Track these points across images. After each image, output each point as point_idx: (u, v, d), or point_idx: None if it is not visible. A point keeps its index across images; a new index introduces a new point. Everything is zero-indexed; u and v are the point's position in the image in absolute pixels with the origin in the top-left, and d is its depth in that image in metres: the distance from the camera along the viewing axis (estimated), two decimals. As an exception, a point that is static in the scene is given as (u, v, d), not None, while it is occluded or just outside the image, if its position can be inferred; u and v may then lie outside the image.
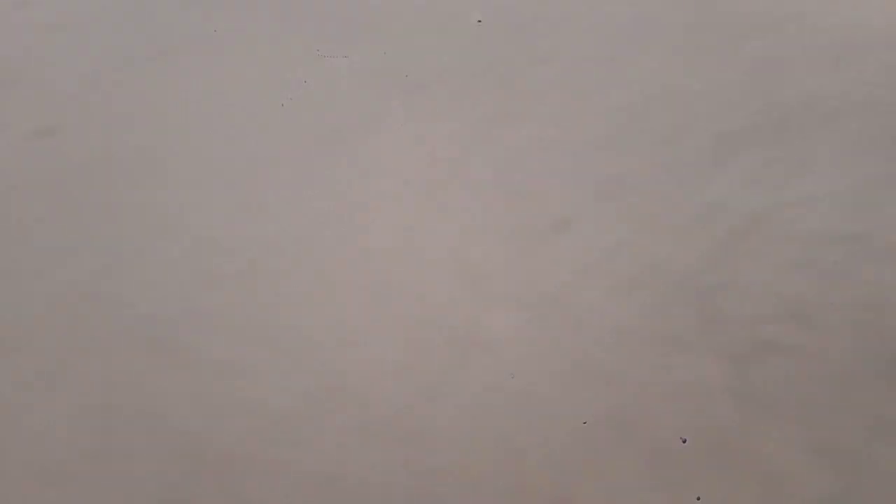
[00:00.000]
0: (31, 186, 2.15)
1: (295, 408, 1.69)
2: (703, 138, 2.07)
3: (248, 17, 2.57)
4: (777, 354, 1.69)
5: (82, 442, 1.66)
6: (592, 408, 1.64)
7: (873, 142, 2.06)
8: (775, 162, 2.01)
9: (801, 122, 2.10)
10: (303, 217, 2.02)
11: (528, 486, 1.51)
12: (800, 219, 1.91)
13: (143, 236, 2.01)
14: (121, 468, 1.59)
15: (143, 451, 1.62)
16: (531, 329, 1.78)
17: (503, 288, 1.85)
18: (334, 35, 2.47)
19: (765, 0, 2.36)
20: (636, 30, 2.34)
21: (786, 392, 1.63)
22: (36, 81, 2.36)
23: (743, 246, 1.87)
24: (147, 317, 1.89)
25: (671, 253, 1.87)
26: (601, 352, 1.73)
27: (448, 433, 1.60)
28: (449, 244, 1.93)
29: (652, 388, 1.66)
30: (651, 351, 1.72)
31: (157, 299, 1.91)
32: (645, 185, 1.99)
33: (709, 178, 1.99)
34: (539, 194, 2.00)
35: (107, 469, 1.59)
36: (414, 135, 2.15)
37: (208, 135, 2.23)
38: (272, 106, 2.29)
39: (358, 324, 1.82)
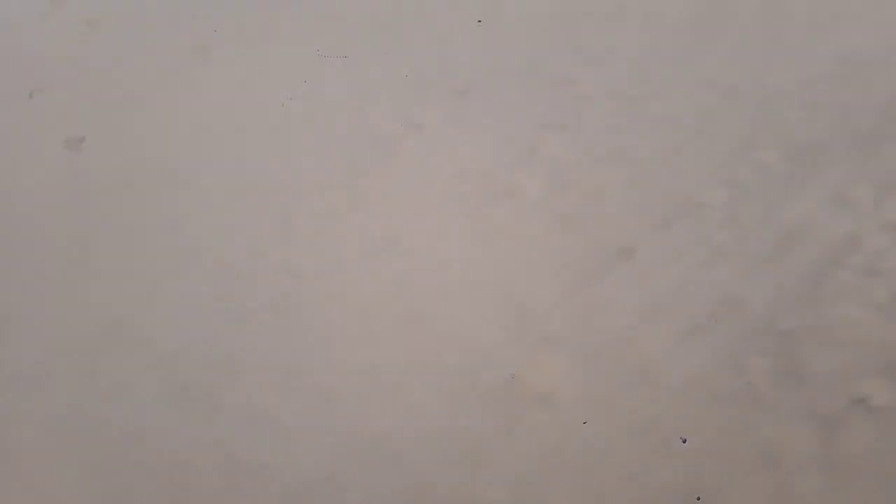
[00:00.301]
0: (53, 205, 1.99)
1: (323, 472, 1.52)
2: (778, 151, 1.85)
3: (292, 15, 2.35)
4: (868, 417, 1.50)
5: (93, 496, 1.52)
6: (657, 480, 1.46)
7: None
8: (859, 180, 1.79)
9: (888, 131, 1.87)
10: (334, 243, 1.83)
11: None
12: (891, 250, 1.70)
13: (166, 264, 1.85)
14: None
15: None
16: (588, 381, 1.59)
17: (555, 329, 1.66)
18: (362, 39, 2.26)
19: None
20: (700, 22, 2.09)
21: (879, 464, 1.44)
22: (70, 87, 2.22)
23: (826, 282, 1.66)
24: (167, 357, 1.72)
25: (746, 289, 1.66)
26: (668, 410, 1.54)
27: (498, 510, 1.43)
28: (494, 277, 1.74)
29: (726, 456, 1.47)
30: (724, 410, 1.53)
31: (180, 338, 1.74)
32: (714, 207, 1.78)
33: (786, 198, 1.77)
34: (595, 217, 1.79)
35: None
36: (452, 146, 1.95)
37: (237, 149, 2.04)
38: (302, 121, 2.09)
39: (392, 372, 1.64)
